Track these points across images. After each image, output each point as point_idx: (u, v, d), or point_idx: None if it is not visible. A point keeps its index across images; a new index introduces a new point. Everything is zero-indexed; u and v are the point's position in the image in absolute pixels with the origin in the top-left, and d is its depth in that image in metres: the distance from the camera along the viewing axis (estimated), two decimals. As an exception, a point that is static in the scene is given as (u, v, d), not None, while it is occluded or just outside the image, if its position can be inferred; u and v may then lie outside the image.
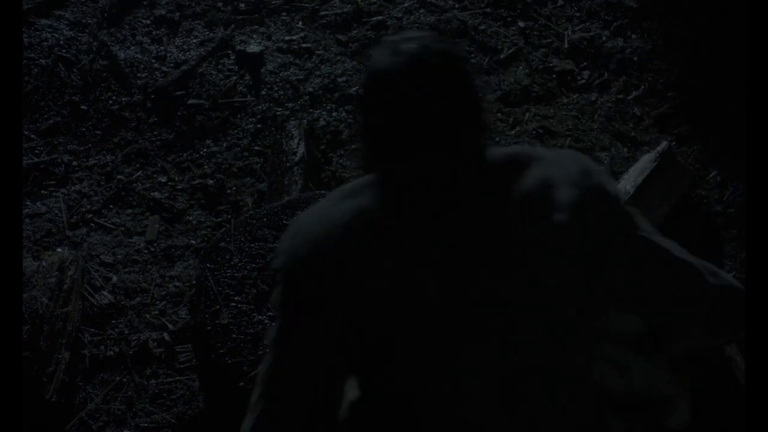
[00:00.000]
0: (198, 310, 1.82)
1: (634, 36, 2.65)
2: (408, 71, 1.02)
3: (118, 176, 2.34)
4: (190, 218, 2.27)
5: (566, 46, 2.62)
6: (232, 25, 2.68)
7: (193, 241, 2.22)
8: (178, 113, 2.45)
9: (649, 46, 2.62)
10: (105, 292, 2.14)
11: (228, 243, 1.86)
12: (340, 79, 2.52)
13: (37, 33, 2.57)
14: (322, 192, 2.01)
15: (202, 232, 2.24)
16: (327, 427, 1.09)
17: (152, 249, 2.22)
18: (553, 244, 1.02)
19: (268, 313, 1.75)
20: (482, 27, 2.65)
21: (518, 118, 2.47)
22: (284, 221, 1.86)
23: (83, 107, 2.46)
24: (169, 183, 2.33)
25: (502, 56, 2.59)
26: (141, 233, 2.25)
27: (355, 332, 1.04)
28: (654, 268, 1.09)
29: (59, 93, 2.47)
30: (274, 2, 2.70)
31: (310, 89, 2.53)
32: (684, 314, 1.11)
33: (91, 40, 2.58)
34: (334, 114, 2.47)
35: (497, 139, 2.42)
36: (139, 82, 2.50)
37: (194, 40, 2.64)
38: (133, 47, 2.58)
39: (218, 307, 1.77)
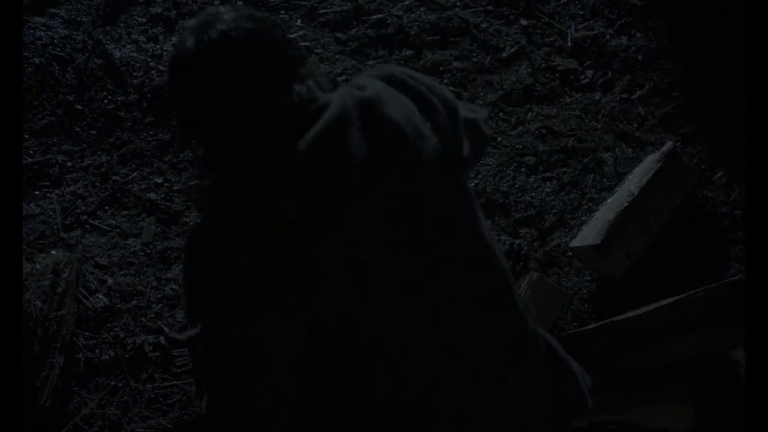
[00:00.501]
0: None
1: (638, 34, 2.65)
2: (214, 52, 1.07)
3: (114, 177, 2.34)
4: (187, 220, 2.28)
5: (569, 44, 2.62)
6: (230, 24, 2.68)
7: (190, 243, 2.22)
8: (174, 113, 2.45)
9: (654, 45, 2.62)
10: (100, 295, 2.14)
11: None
12: (339, 78, 2.53)
13: (31, 31, 2.58)
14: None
15: (199, 233, 2.24)
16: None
17: (148, 251, 2.22)
18: (427, 165, 1.14)
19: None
20: (484, 25, 2.66)
21: (520, 118, 2.47)
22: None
23: (78, 107, 2.46)
24: (166, 184, 2.33)
25: (504, 55, 2.60)
26: (137, 235, 2.25)
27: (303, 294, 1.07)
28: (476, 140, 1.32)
29: (53, 92, 2.48)
30: (272, 0, 2.70)
31: (309, 88, 2.53)
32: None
33: (85, 38, 2.58)
34: (333, 114, 2.48)
35: (499, 139, 2.42)
36: (134, 81, 2.51)
37: (191, 39, 2.64)
38: (128, 46, 2.58)
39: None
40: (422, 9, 2.68)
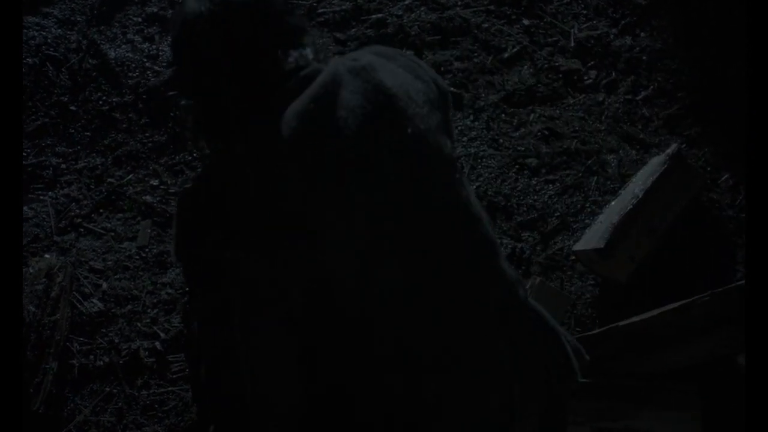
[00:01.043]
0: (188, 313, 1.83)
1: (642, 34, 2.66)
2: (214, 15, 1.17)
3: (109, 179, 2.35)
4: (183, 223, 2.28)
5: (572, 44, 2.63)
6: (227, 23, 2.69)
7: (186, 247, 2.23)
8: (171, 114, 2.46)
9: (659, 45, 2.63)
10: (94, 300, 2.14)
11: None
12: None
13: (24, 31, 2.58)
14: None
15: (196, 237, 2.25)
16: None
17: (144, 255, 2.23)
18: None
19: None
20: (485, 25, 2.67)
21: (523, 119, 2.48)
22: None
23: (72, 108, 2.47)
24: (162, 186, 2.34)
25: (506, 55, 2.61)
26: (132, 238, 2.26)
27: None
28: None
29: (47, 93, 2.48)
30: None
31: (308, 89, 2.54)
32: None
33: (80, 38, 2.59)
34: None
35: (500, 141, 2.43)
36: (130, 81, 2.51)
37: (187, 39, 2.65)
38: (123, 46, 2.59)
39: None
40: (422, 8, 2.69)
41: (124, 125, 2.45)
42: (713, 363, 1.93)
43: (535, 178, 2.37)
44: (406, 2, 2.70)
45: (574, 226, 2.30)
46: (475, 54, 2.61)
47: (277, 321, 1.13)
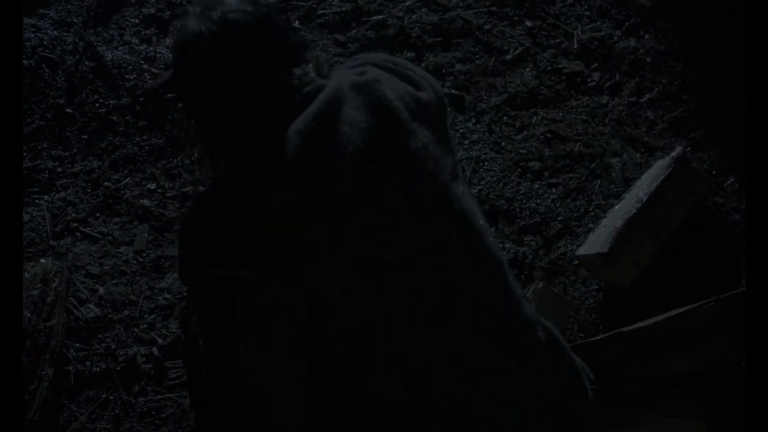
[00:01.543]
0: (189, 324, 1.84)
1: (647, 36, 2.68)
2: (215, 34, 1.18)
3: (105, 183, 2.36)
4: (181, 227, 2.29)
5: (576, 46, 2.64)
6: (225, 25, 2.70)
7: (184, 252, 2.24)
8: (169, 117, 2.47)
9: (663, 47, 2.64)
10: (91, 305, 2.15)
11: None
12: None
13: (20, 33, 2.60)
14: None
15: (193, 241, 2.26)
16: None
17: (141, 259, 2.24)
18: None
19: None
20: (487, 26, 2.68)
21: (525, 122, 2.49)
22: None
23: (68, 110, 2.48)
24: (159, 190, 2.35)
25: (508, 57, 2.62)
26: (129, 243, 2.26)
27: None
28: None
29: (43, 96, 2.49)
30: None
31: (307, 92, 2.55)
32: None
33: (76, 40, 2.60)
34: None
35: (503, 144, 2.44)
36: (127, 84, 2.52)
37: (185, 40, 2.66)
38: (120, 48, 2.60)
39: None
40: (424, 10, 2.70)
41: (121, 128, 2.46)
42: (718, 369, 1.94)
43: (538, 182, 2.38)
44: (407, 3, 2.71)
45: (578, 231, 2.31)
46: (477, 56, 2.62)
47: (285, 343, 1.14)
